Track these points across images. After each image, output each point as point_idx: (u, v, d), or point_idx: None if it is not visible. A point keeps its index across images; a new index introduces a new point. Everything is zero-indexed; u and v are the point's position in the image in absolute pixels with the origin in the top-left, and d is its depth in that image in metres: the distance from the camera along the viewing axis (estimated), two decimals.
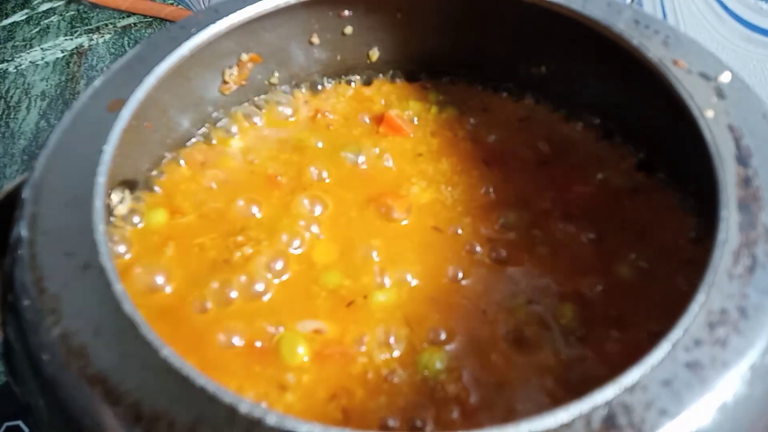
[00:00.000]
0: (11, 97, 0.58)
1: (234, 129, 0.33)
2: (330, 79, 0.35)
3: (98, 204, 0.22)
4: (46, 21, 0.66)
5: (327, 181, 0.31)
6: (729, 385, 0.19)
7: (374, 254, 0.27)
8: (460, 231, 0.28)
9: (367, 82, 0.36)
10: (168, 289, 0.26)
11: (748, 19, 0.39)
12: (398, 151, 0.32)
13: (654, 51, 0.27)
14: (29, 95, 0.58)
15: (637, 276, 0.26)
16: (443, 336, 0.25)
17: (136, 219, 0.28)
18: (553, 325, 0.25)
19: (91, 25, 0.66)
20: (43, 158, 0.24)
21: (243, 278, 0.27)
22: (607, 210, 0.29)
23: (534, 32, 0.31)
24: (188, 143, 0.32)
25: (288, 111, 0.34)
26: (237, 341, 0.25)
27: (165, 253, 0.27)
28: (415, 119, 0.33)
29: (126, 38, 0.64)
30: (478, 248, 0.28)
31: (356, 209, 0.29)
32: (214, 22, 0.29)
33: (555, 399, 0.23)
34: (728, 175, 0.23)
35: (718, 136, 0.24)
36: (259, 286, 0.26)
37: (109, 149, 0.24)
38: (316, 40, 0.34)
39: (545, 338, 0.25)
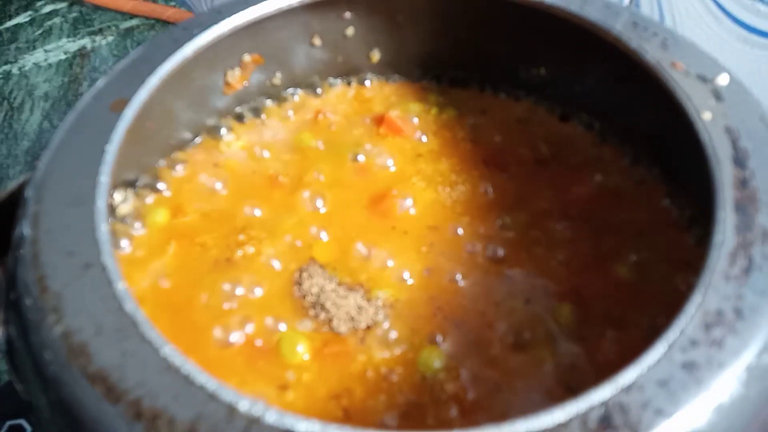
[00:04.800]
0: (14, 98, 0.58)
1: (236, 129, 0.33)
2: (331, 80, 0.36)
3: (100, 203, 0.23)
4: (49, 23, 0.67)
5: (327, 181, 0.31)
6: (725, 385, 0.19)
7: (374, 253, 0.28)
8: (459, 231, 0.29)
9: (368, 84, 0.36)
10: (170, 288, 0.26)
11: (746, 21, 0.39)
12: (398, 151, 0.32)
13: (652, 53, 0.27)
14: (32, 96, 0.59)
15: (634, 276, 0.26)
16: (442, 335, 0.25)
17: (138, 218, 0.28)
18: (551, 325, 0.25)
19: (93, 27, 0.66)
20: (45, 158, 0.25)
21: (244, 277, 0.27)
22: (605, 211, 0.29)
23: (533, 34, 0.32)
24: (190, 143, 0.32)
25: (289, 111, 0.34)
26: (238, 340, 0.25)
27: (167, 252, 0.27)
28: (416, 120, 0.34)
29: (129, 40, 0.64)
30: (477, 248, 0.28)
31: (356, 209, 0.30)
32: (216, 24, 0.29)
33: (552, 398, 0.23)
34: (725, 176, 0.23)
35: (716, 138, 0.24)
36: (261, 285, 0.27)
37: (112, 149, 0.24)
38: (317, 41, 0.34)
39: (543, 337, 0.25)
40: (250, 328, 0.25)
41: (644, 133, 0.30)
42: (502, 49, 0.33)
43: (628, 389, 0.18)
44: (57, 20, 0.67)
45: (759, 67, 0.40)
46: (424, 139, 0.33)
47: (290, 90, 0.35)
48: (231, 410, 0.18)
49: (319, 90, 0.35)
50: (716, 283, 0.20)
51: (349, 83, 0.36)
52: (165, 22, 0.66)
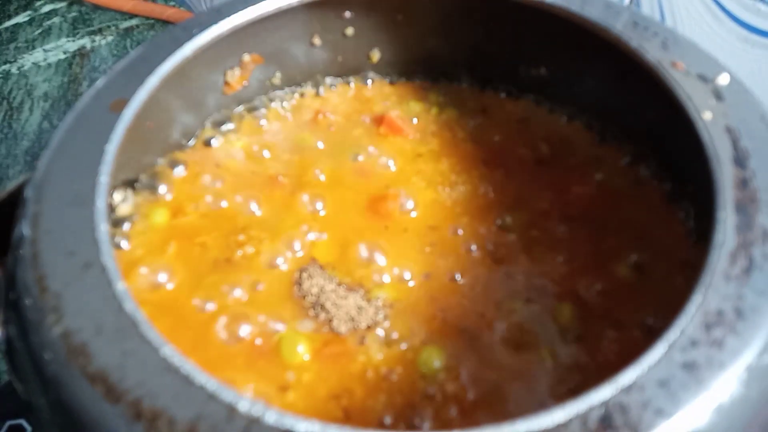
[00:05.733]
0: (14, 98, 0.58)
1: (236, 129, 0.33)
2: (331, 80, 0.36)
3: (100, 203, 0.23)
4: (48, 22, 0.67)
5: (327, 181, 0.31)
6: (725, 385, 0.19)
7: (374, 254, 0.28)
8: (459, 231, 0.29)
9: (368, 83, 0.36)
10: (169, 288, 0.26)
11: (746, 21, 0.39)
12: (398, 151, 0.32)
13: (653, 53, 0.27)
14: (32, 96, 0.59)
15: (634, 276, 0.26)
16: (442, 335, 0.25)
17: (138, 218, 0.28)
18: (551, 325, 0.25)
19: (93, 26, 0.66)
20: (45, 158, 0.25)
21: (244, 277, 0.27)
22: (605, 211, 0.29)
23: (533, 34, 0.32)
24: (190, 143, 0.32)
25: (289, 111, 0.34)
26: (238, 340, 0.25)
27: (167, 252, 0.27)
28: (416, 120, 0.34)
29: (128, 40, 0.64)
30: (477, 248, 0.28)
31: (356, 209, 0.30)
32: (216, 23, 0.29)
33: (552, 398, 0.23)
34: (726, 176, 0.23)
35: (716, 138, 0.24)
36: (261, 285, 0.27)
37: (112, 149, 0.24)
38: (317, 41, 0.34)
39: (543, 337, 0.25)
40: (249, 328, 0.25)
41: (644, 132, 0.30)
42: (503, 49, 0.33)
43: (628, 389, 0.18)
44: (56, 20, 0.67)
45: (759, 67, 0.40)
46: (424, 139, 0.33)
47: (290, 90, 0.35)
48: (231, 410, 0.18)
49: (319, 90, 0.35)
50: (717, 283, 0.20)
51: (349, 83, 0.36)
52: (165, 22, 0.66)
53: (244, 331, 0.25)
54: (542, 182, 0.30)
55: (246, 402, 0.18)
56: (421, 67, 0.36)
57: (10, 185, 0.25)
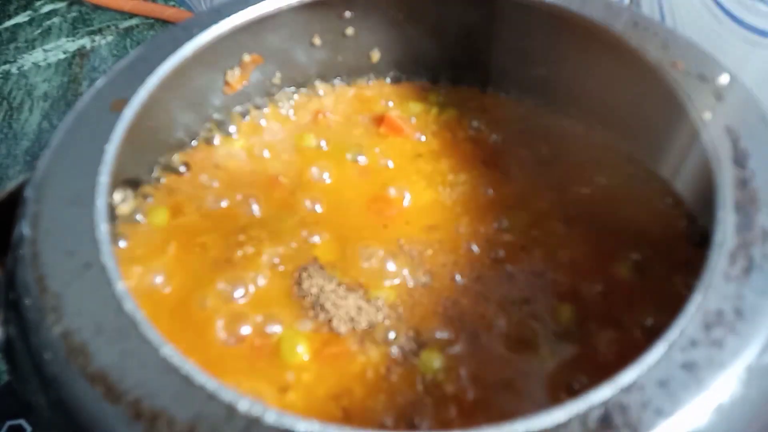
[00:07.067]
0: (14, 98, 0.58)
1: (235, 129, 0.33)
2: (331, 80, 0.36)
3: (100, 203, 0.23)
4: (48, 22, 0.67)
5: (327, 181, 0.31)
6: (725, 385, 0.19)
7: (373, 254, 0.28)
8: (459, 231, 0.29)
9: (368, 84, 0.36)
10: (169, 288, 0.26)
11: (747, 21, 0.39)
12: (398, 151, 0.32)
13: (653, 53, 0.27)
14: (32, 96, 0.59)
15: (634, 277, 0.26)
16: (441, 335, 0.25)
17: (138, 218, 0.28)
18: (551, 325, 0.25)
19: (93, 26, 0.66)
20: (45, 158, 0.25)
21: (244, 277, 0.27)
22: (606, 211, 0.29)
23: (533, 34, 0.32)
24: (190, 143, 0.32)
25: (289, 111, 0.34)
26: (238, 340, 0.25)
27: (167, 252, 0.27)
28: (415, 120, 0.34)
29: (128, 40, 0.64)
30: (477, 248, 0.28)
31: (356, 209, 0.30)
32: (216, 23, 0.29)
33: (552, 398, 0.23)
34: (725, 176, 0.23)
35: (716, 138, 0.24)
36: (260, 285, 0.27)
37: (112, 149, 0.24)
38: (317, 41, 0.34)
39: (543, 337, 0.25)
40: (249, 328, 0.25)
41: (644, 132, 0.30)
42: (503, 49, 0.33)
43: (628, 389, 0.18)
44: (56, 20, 0.67)
45: (760, 67, 0.40)
46: (424, 139, 0.33)
47: (290, 90, 0.35)
48: (230, 410, 0.18)
49: (319, 90, 0.35)
50: (716, 283, 0.20)
51: (349, 83, 0.36)
52: (164, 22, 0.66)
53: (244, 331, 0.25)
54: (542, 182, 0.30)
55: (246, 402, 0.18)
56: (422, 66, 0.36)
57: (10, 185, 0.25)
